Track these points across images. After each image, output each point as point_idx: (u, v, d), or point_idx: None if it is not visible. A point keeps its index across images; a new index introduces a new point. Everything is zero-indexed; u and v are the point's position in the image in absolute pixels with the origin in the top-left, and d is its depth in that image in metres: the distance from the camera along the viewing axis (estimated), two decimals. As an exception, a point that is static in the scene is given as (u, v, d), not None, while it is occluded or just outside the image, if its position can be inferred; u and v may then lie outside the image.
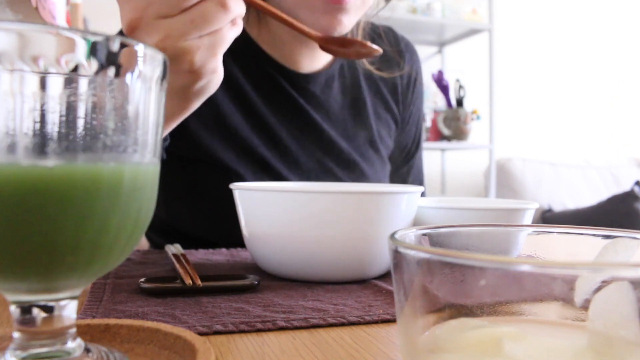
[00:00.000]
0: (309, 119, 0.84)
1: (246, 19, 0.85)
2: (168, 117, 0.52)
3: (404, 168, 0.99)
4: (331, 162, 0.85)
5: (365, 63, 0.89)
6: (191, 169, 0.79)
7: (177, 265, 0.52)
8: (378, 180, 0.89)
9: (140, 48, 0.26)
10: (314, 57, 0.86)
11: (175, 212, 0.82)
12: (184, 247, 0.68)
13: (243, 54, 0.82)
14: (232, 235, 0.69)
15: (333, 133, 0.85)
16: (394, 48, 0.94)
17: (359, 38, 0.88)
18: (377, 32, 0.94)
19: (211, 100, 0.78)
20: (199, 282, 0.46)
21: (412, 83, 0.96)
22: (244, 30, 0.81)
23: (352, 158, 0.86)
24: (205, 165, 0.79)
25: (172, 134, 0.76)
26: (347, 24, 0.72)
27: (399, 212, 0.52)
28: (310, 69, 0.86)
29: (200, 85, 0.49)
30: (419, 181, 1.02)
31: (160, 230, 0.85)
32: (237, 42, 0.74)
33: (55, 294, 0.27)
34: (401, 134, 0.96)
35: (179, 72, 0.46)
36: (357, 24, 0.88)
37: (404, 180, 0.99)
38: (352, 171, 0.86)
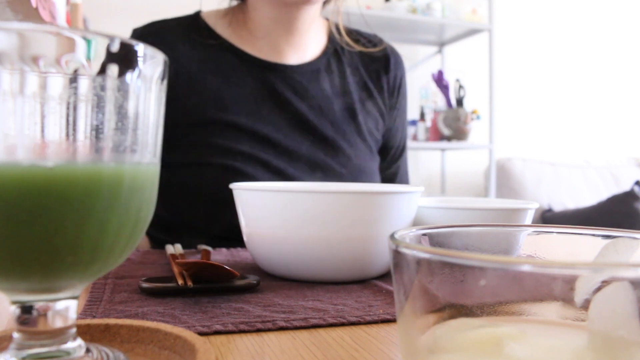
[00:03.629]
0: (295, 108, 0.86)
1: (235, 22, 0.88)
2: None
3: (391, 169, 1.02)
4: (318, 150, 0.86)
5: (350, 42, 0.92)
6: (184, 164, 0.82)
7: (173, 265, 0.52)
8: (367, 168, 0.91)
9: (140, 48, 0.26)
10: (302, 48, 0.89)
11: (173, 206, 0.83)
12: (185, 242, 0.68)
13: (225, 61, 0.85)
14: (230, 226, 0.70)
15: (318, 121, 0.87)
16: (378, 49, 0.97)
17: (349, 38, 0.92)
18: (363, 36, 0.97)
19: (196, 108, 0.81)
20: (190, 283, 0.45)
21: (398, 84, 0.99)
22: (224, 40, 0.86)
23: (339, 145, 0.88)
24: (196, 165, 0.81)
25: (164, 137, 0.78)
26: None
27: (399, 212, 0.52)
28: (298, 61, 0.89)
29: None
30: (405, 182, 1.06)
31: (160, 226, 0.86)
32: (216, 53, 0.78)
33: (56, 294, 0.27)
34: (388, 133, 0.99)
35: None
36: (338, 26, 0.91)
37: (391, 182, 1.02)
38: (340, 158, 0.87)
